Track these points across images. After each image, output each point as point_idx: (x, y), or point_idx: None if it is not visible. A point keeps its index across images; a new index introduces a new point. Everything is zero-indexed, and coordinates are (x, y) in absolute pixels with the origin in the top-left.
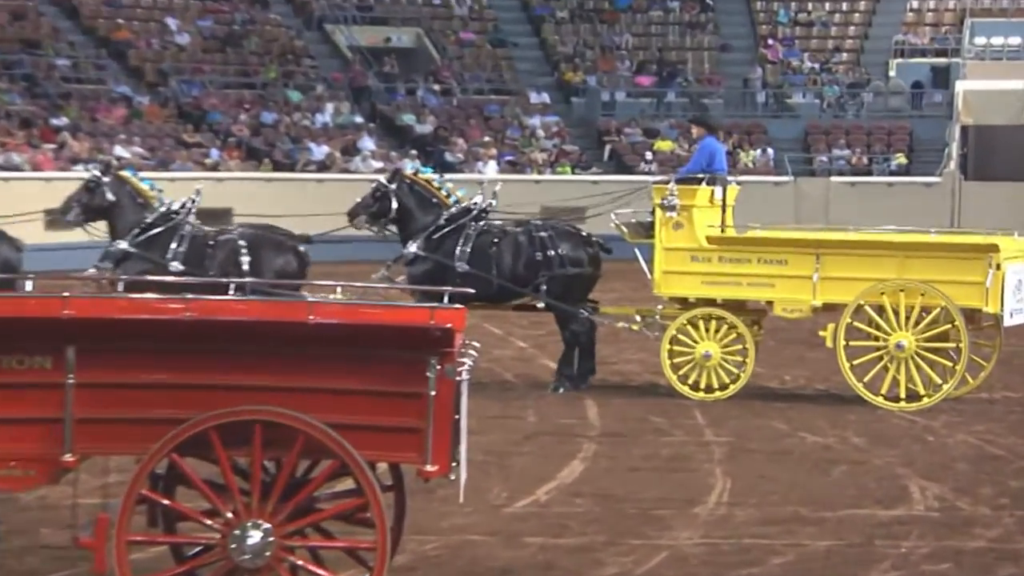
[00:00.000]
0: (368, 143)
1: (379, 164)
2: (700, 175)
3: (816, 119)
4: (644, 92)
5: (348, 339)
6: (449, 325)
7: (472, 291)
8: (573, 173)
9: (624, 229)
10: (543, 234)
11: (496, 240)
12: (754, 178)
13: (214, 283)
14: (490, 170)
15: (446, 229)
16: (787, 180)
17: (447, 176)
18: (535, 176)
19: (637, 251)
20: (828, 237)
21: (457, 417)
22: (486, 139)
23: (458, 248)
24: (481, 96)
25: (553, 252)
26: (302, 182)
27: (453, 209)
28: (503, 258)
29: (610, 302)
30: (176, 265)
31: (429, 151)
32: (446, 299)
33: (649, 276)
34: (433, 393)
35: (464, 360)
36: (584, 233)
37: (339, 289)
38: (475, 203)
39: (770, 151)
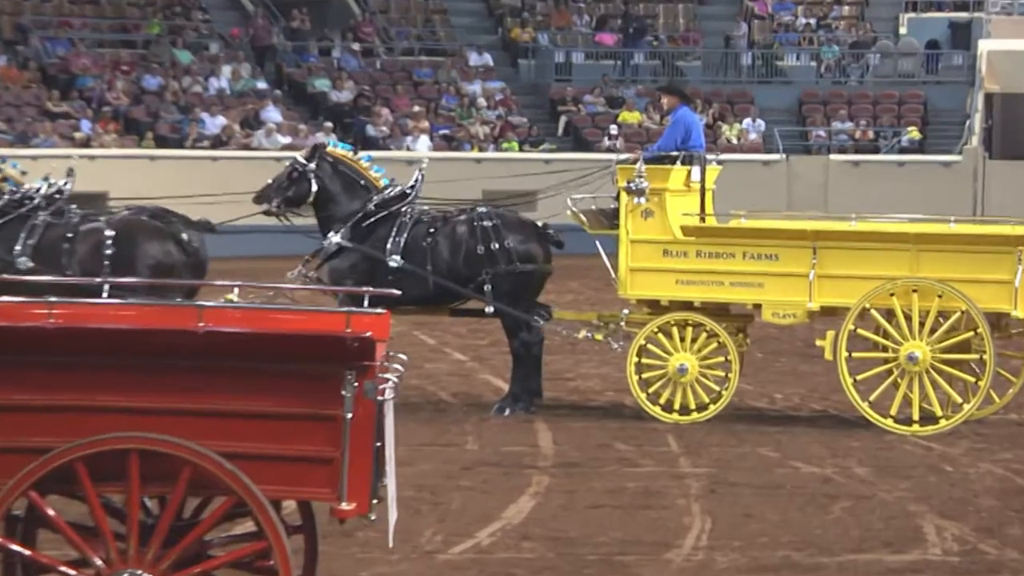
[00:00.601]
0: (273, 114)
1: (286, 139)
2: (674, 153)
3: (812, 86)
4: (606, 53)
5: (246, 351)
6: (368, 334)
7: (398, 292)
8: (521, 150)
9: (582, 218)
10: (488, 223)
11: (432, 230)
12: (738, 156)
13: (86, 282)
14: (421, 147)
15: (376, 216)
16: (778, 159)
17: (366, 154)
18: (475, 154)
19: (598, 244)
20: (827, 227)
21: (380, 444)
22: (416, 109)
23: (391, 239)
24: (410, 58)
25: (499, 245)
26: (193, 161)
27: (386, 193)
28: (440, 252)
29: (566, 306)
30: (25, 261)
31: (347, 124)
32: (367, 301)
33: (613, 274)
34: (349, 415)
35: (388, 376)
36: (538, 223)
37: (236, 290)
38: (412, 186)
39: (758, 124)
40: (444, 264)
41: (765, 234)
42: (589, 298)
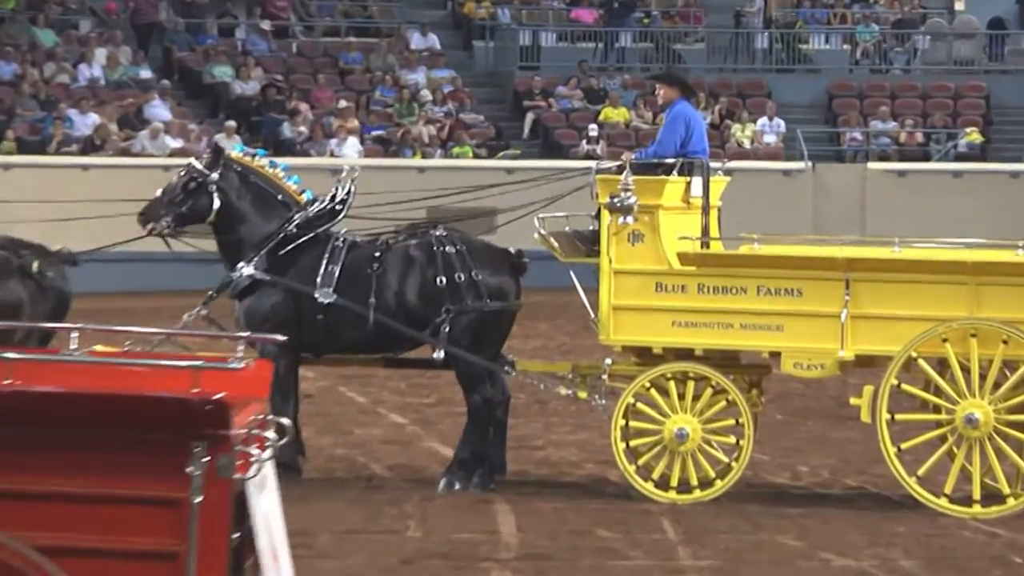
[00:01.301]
0: (160, 110)
1: (177, 142)
2: (669, 160)
3: (845, 75)
4: (584, 33)
5: (66, 416)
6: (222, 395)
7: (282, 338)
8: (476, 157)
9: (553, 242)
10: (451, 249)
11: (377, 256)
12: (752, 164)
13: None
14: (349, 152)
15: (300, 240)
16: (801, 167)
17: (281, 162)
18: (417, 161)
19: (573, 275)
20: (863, 255)
21: (241, 536)
22: (342, 104)
23: (321, 268)
24: (335, 39)
25: (465, 277)
26: (58, 170)
27: (310, 210)
28: (387, 284)
29: (533, 354)
30: None
31: (255, 123)
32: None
33: (591, 314)
34: (197, 500)
35: (253, 448)
36: (509, 250)
37: (75, 335)
38: (343, 201)
39: (776, 123)
40: (392, 300)
41: (785, 263)
42: (561, 344)
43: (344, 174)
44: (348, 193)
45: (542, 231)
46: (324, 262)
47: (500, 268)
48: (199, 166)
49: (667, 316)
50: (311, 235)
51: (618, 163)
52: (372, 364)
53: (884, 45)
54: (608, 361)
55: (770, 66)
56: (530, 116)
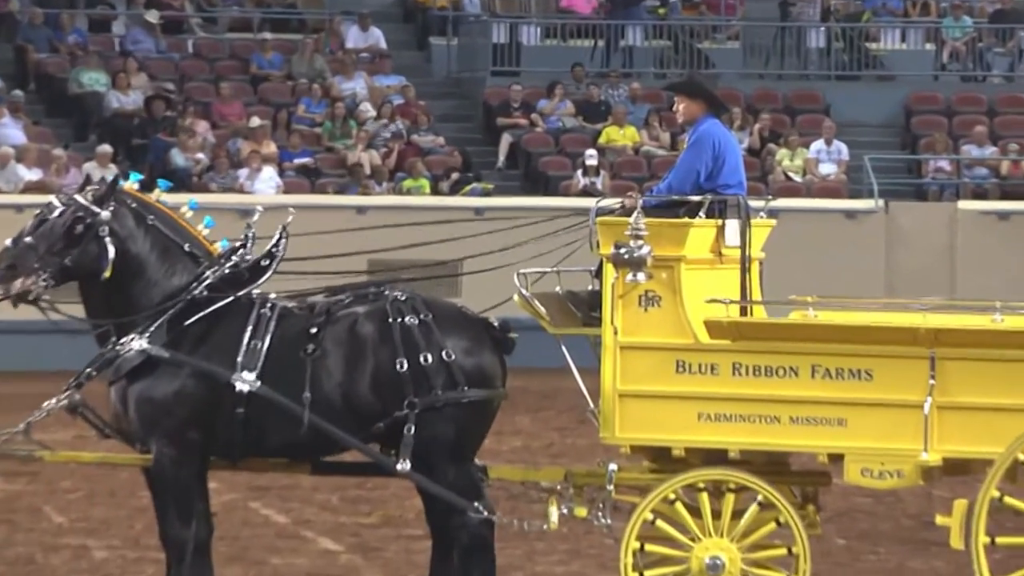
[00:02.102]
0: (11, 130)
1: (33, 174)
2: (694, 197)
3: (929, 85)
4: (579, 28)
5: None
6: None
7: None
8: (436, 193)
9: (539, 307)
10: (411, 318)
11: (315, 332)
12: (804, 203)
13: None
14: (263, 186)
15: (214, 305)
16: (870, 207)
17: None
18: (357, 199)
19: (565, 352)
20: (954, 324)
21: None
22: (255, 122)
23: (242, 345)
24: (245, 36)
25: (434, 357)
26: None
27: (226, 264)
28: (328, 368)
29: (512, 457)
30: None
31: (137, 147)
32: None
33: (590, 403)
34: None
35: None
36: (490, 319)
37: None
38: (271, 254)
39: (836, 149)
40: (336, 392)
41: (850, 335)
42: (549, 445)
43: (256, 217)
44: (279, 243)
45: (524, 292)
46: (246, 336)
47: (479, 344)
48: (84, 201)
49: (691, 407)
50: (228, 298)
51: (625, 200)
52: (298, 468)
53: (980, 44)
54: (613, 467)
55: (828, 72)
56: (506, 138)
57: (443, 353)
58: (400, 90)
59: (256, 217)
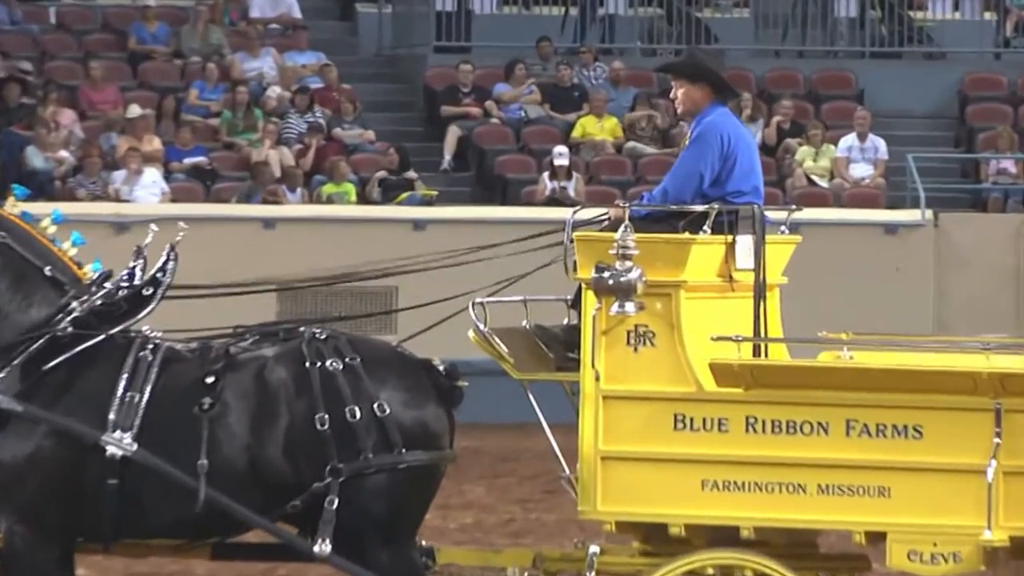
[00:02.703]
0: None
1: None
2: (696, 206)
3: (988, 66)
4: None
5: None
6: None
7: None
8: (363, 201)
9: (499, 346)
10: (333, 363)
11: (212, 381)
12: (834, 214)
13: None
14: (145, 193)
15: (80, 345)
16: (916, 219)
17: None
18: (261, 210)
19: (534, 402)
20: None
21: None
22: (135, 112)
23: (115, 396)
24: (121, 2)
25: (362, 412)
26: None
27: (99, 292)
28: (229, 430)
29: (463, 535)
30: None
31: None
32: None
33: (565, 469)
34: None
35: None
36: (434, 362)
37: None
38: (155, 281)
39: (871, 144)
40: (239, 455)
41: (893, 382)
42: (510, 519)
43: (150, 239)
44: (165, 266)
45: (481, 327)
46: (121, 385)
47: (420, 394)
48: None
49: (694, 472)
50: (99, 337)
51: (610, 211)
52: (191, 552)
53: None
54: (594, 549)
55: (861, 48)
56: (454, 132)
57: (375, 406)
58: (319, 71)
59: (150, 238)
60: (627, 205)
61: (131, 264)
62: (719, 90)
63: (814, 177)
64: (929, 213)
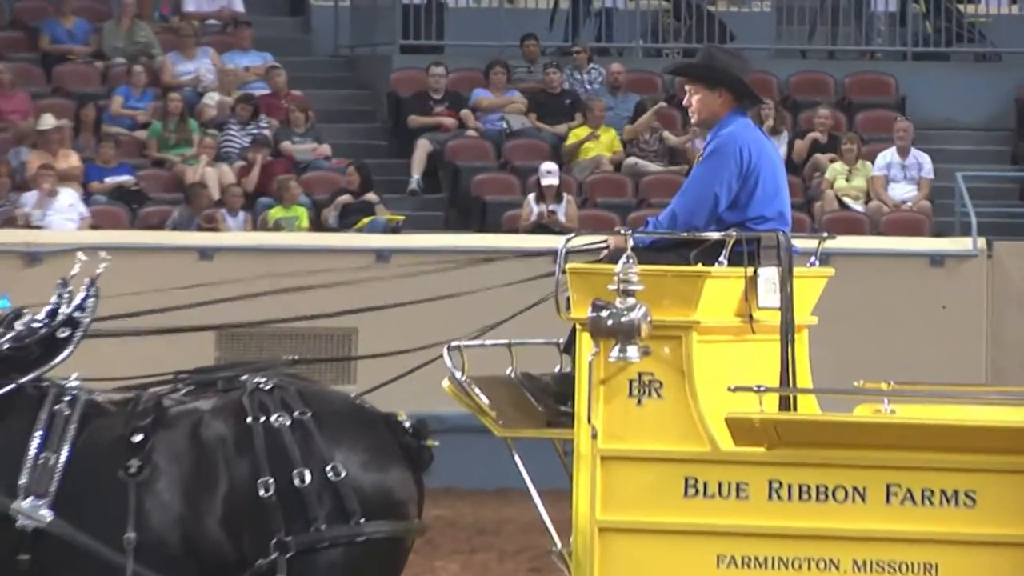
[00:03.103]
0: None
1: None
2: (710, 233)
3: None
4: None
5: None
6: None
7: None
8: (319, 228)
9: (480, 398)
10: (279, 418)
11: (139, 440)
12: (871, 243)
13: None
14: (60, 216)
15: None
16: (968, 249)
17: None
18: (202, 237)
19: (520, 463)
20: None
21: None
22: (48, 123)
23: (27, 456)
24: None
25: (312, 475)
26: None
27: (7, 334)
28: (158, 497)
29: None
30: None
31: None
32: None
33: (556, 542)
34: None
35: None
36: (399, 417)
37: None
38: (73, 322)
39: (916, 162)
40: (171, 526)
41: (942, 440)
42: None
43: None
44: (85, 303)
45: (457, 375)
46: (34, 445)
47: (383, 454)
48: None
49: (708, 545)
50: (7, 388)
51: (610, 239)
52: None
53: None
54: None
55: (902, 47)
56: (424, 146)
57: (328, 469)
58: (265, 74)
59: (76, 269)
60: (629, 232)
61: (53, 300)
62: (740, 96)
63: (847, 199)
64: (981, 242)
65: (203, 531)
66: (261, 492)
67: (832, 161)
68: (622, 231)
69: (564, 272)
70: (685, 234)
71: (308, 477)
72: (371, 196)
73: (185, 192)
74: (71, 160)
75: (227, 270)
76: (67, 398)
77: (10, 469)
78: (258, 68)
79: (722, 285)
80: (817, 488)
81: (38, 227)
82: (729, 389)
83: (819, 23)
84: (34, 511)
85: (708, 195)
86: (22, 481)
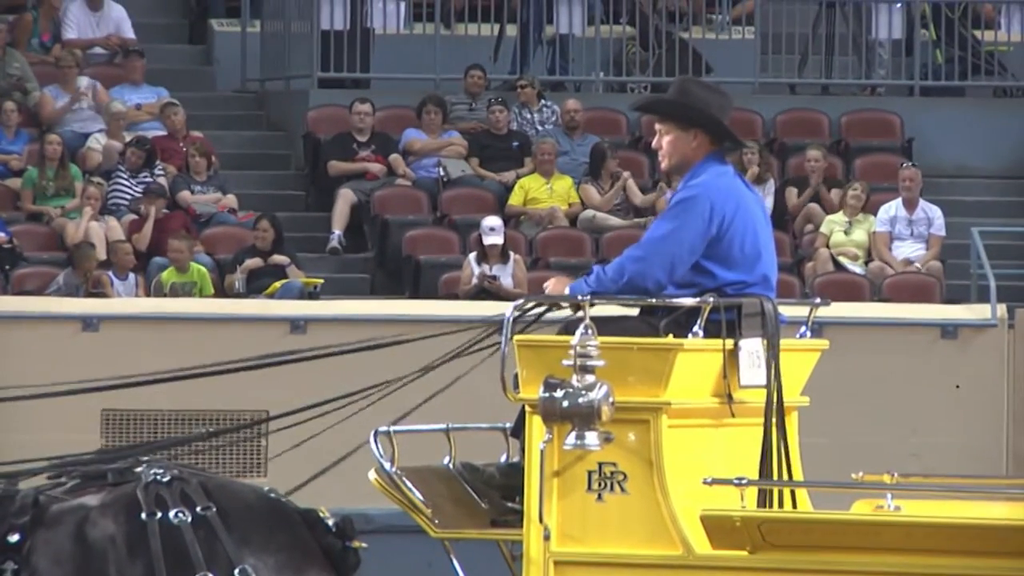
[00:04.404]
0: None
1: None
2: (685, 299)
3: None
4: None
5: None
6: None
7: None
8: (223, 293)
9: (414, 494)
10: (179, 515)
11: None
12: (872, 312)
13: None
14: None
15: None
16: (985, 318)
17: None
18: (86, 304)
19: (459, 570)
20: None
21: None
22: None
23: None
24: None
25: None
26: None
27: None
28: None
29: None
30: None
31: None
32: None
33: None
34: None
35: None
36: (321, 514)
37: None
38: None
39: (926, 216)
40: None
41: (951, 542)
42: None
43: None
44: None
45: (386, 465)
46: None
47: (300, 557)
48: None
49: None
50: None
51: (549, 283)
52: None
53: None
54: None
55: (909, 81)
56: (346, 197)
57: (237, 573)
58: (160, 112)
59: None
60: (588, 298)
61: None
62: (718, 139)
63: (844, 260)
64: (1001, 309)
65: None
66: None
67: (826, 214)
68: (581, 298)
69: (510, 344)
70: (653, 299)
71: None
72: (283, 256)
73: (68, 253)
74: None
75: (114, 342)
76: None
77: None
78: (152, 105)
79: (697, 360)
80: None
81: None
82: (705, 482)
83: (811, 53)
84: None
85: (666, 255)
86: None
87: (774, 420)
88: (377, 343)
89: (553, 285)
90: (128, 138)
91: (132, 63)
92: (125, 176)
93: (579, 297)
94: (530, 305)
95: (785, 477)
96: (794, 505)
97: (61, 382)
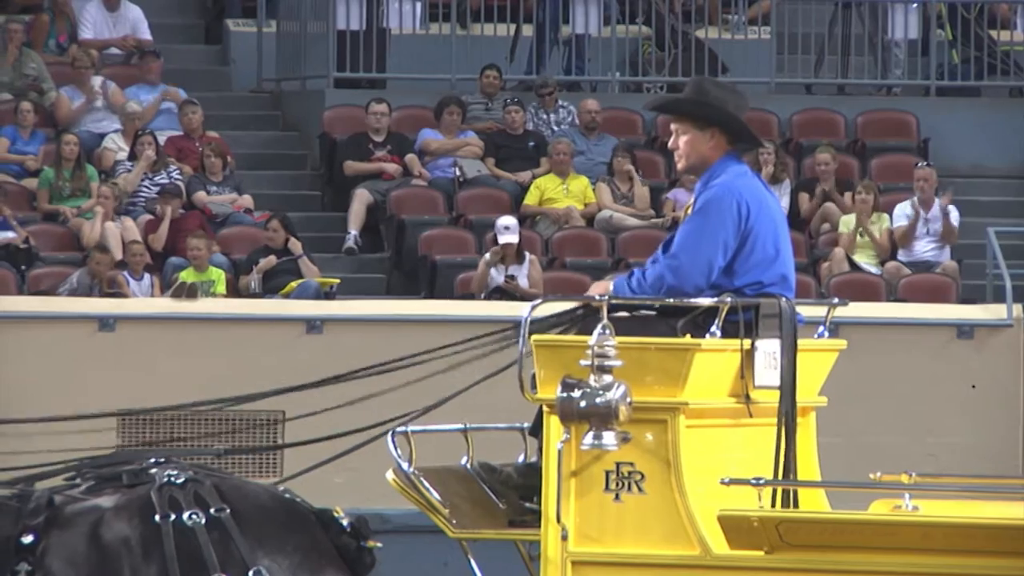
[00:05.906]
0: None
1: None
2: (703, 299)
3: None
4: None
5: None
6: None
7: None
8: (239, 293)
9: (431, 494)
10: (192, 517)
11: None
12: (887, 312)
13: None
14: None
15: None
16: (1000, 318)
17: None
18: (102, 304)
19: (476, 570)
20: None
21: None
22: None
23: None
24: None
25: None
26: None
27: None
28: None
29: None
30: None
31: None
32: None
33: None
34: None
35: None
36: (336, 514)
37: None
38: None
39: (940, 214)
40: None
41: (969, 542)
42: None
43: None
44: None
45: (404, 465)
46: None
47: (315, 558)
48: None
49: None
50: None
51: (580, 304)
52: None
53: None
54: None
55: (925, 81)
56: (362, 197)
57: (251, 574)
58: (186, 112)
59: None
60: (606, 298)
61: None
62: (735, 138)
63: (860, 260)
64: (1017, 309)
65: None
66: None
67: (842, 215)
68: (597, 290)
69: (528, 344)
70: (670, 299)
71: None
72: (300, 255)
73: (83, 252)
74: None
75: (130, 342)
76: None
77: None
78: (169, 101)
79: (714, 360)
80: None
81: None
82: (722, 482)
83: (827, 53)
84: None
85: (702, 258)
86: None
87: (791, 419)
88: (422, 353)
89: (594, 289)
90: (141, 137)
91: (148, 63)
92: (142, 176)
93: (596, 298)
94: (547, 305)
95: (802, 477)
96: (799, 505)
97: (77, 383)
